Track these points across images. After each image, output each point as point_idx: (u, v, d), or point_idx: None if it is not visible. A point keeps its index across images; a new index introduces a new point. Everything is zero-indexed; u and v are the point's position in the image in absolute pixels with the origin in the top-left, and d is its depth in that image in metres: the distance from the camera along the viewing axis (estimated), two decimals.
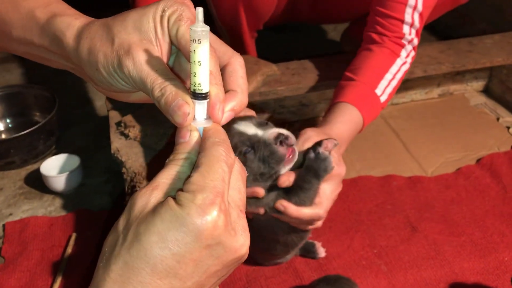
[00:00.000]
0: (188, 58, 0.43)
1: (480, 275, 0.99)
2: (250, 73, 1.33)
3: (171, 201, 0.39)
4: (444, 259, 1.03)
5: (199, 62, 0.41)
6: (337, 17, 1.68)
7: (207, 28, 0.41)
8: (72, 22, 0.49)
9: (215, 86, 0.44)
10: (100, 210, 1.20)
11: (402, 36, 1.13)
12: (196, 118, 0.44)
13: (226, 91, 0.46)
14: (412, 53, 1.16)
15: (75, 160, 1.24)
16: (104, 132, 1.29)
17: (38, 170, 1.24)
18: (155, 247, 0.39)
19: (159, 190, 0.42)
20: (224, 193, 0.40)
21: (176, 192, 0.41)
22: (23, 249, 1.08)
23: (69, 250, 1.08)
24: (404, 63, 1.15)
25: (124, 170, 1.09)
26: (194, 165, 0.43)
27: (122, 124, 1.20)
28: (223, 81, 0.46)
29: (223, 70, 0.48)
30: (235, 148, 0.80)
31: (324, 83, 1.36)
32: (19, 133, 1.27)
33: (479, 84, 1.60)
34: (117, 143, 1.17)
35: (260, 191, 0.83)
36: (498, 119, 1.47)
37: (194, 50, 0.41)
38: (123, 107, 1.28)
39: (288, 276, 1.00)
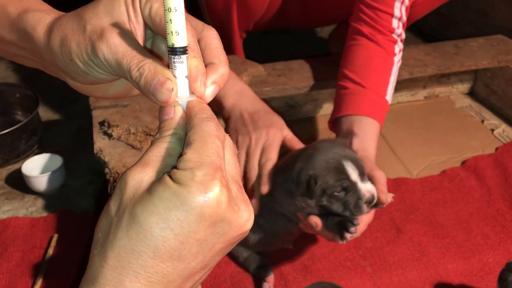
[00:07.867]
0: (164, 35, 0.41)
1: (464, 277, 1.00)
2: (236, 73, 1.31)
3: (168, 180, 0.37)
4: (428, 261, 1.03)
5: (176, 32, 0.40)
6: (327, 17, 1.68)
7: None
8: (43, 17, 0.48)
9: (194, 59, 0.41)
10: (83, 212, 1.18)
11: (392, 31, 1.13)
12: (178, 95, 0.42)
13: (205, 65, 0.44)
14: (402, 47, 1.17)
15: (58, 160, 1.22)
16: (87, 132, 1.27)
17: (19, 170, 1.21)
18: (156, 228, 0.37)
19: (150, 167, 0.39)
20: (223, 168, 0.39)
21: (170, 169, 0.39)
22: (3, 251, 1.06)
23: (50, 251, 1.06)
24: (399, 60, 1.15)
25: (107, 170, 1.07)
26: (182, 140, 0.41)
27: (106, 124, 1.19)
28: None
29: None
30: (334, 182, 0.86)
31: (311, 85, 1.36)
32: (0, 132, 1.25)
33: (465, 87, 1.61)
34: (100, 143, 1.15)
35: (319, 224, 0.89)
36: (483, 121, 1.48)
37: (170, 20, 0.39)
38: (107, 107, 1.26)
39: (274, 278, 1.00)
